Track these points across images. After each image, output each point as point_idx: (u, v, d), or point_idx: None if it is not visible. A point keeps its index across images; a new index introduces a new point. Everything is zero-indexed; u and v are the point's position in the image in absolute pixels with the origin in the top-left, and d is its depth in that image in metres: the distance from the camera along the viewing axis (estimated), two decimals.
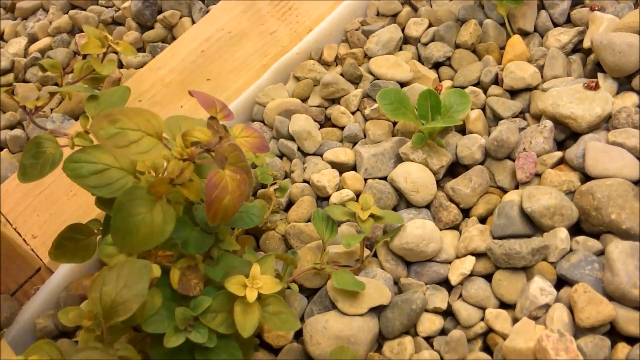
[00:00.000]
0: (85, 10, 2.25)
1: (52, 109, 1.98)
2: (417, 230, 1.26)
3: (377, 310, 1.24)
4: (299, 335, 1.27)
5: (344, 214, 1.28)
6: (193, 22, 2.08)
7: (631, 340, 1.09)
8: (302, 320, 1.27)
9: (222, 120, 0.98)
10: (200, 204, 1.10)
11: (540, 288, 1.15)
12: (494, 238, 1.25)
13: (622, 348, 1.08)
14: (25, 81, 2.12)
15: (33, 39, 2.26)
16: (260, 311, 1.04)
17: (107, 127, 0.93)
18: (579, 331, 1.11)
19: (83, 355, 0.85)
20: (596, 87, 1.33)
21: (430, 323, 1.23)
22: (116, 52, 2.04)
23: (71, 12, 2.22)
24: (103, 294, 0.93)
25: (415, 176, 1.35)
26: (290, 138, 1.57)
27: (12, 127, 2.00)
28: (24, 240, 1.43)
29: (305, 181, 1.51)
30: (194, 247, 1.06)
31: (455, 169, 1.42)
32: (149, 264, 0.97)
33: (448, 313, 1.26)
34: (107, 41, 1.15)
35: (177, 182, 0.98)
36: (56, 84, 2.04)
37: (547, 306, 1.14)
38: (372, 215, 1.26)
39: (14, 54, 2.20)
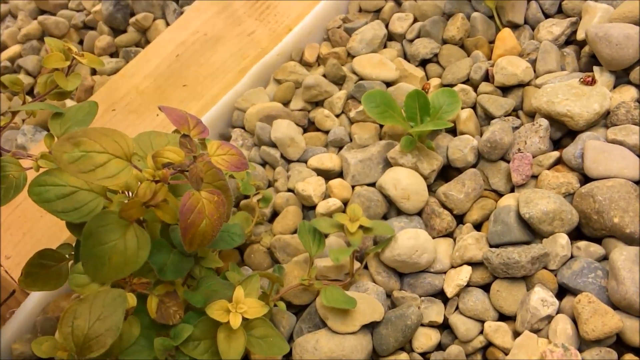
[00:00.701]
0: (55, 15, 2.21)
1: (23, 120, 1.94)
2: (409, 241, 1.22)
3: (370, 327, 1.20)
4: (288, 355, 1.23)
5: (332, 226, 1.24)
6: (167, 25, 2.03)
7: (639, 351, 1.06)
8: (291, 339, 1.23)
9: (196, 136, 0.94)
10: (177, 224, 1.06)
11: (541, 299, 1.11)
12: (491, 246, 1.21)
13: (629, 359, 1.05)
14: None
15: (2, 47, 2.22)
16: (246, 336, 1.01)
17: (70, 151, 0.89)
18: (583, 344, 1.08)
19: None
20: (592, 82, 1.29)
21: (426, 338, 1.19)
22: None
23: (40, 17, 2.17)
24: (75, 329, 0.90)
25: (405, 182, 1.31)
26: (273, 145, 1.53)
27: None
28: None
29: (289, 190, 1.47)
30: (172, 273, 1.02)
31: (447, 172, 1.38)
32: (124, 293, 0.93)
33: (445, 326, 1.22)
34: (71, 53, 1.11)
35: (151, 204, 0.94)
36: (30, 92, 2.00)
37: (549, 318, 1.11)
38: (361, 227, 1.22)
39: None
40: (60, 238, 1.44)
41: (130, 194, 1.03)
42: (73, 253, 1.10)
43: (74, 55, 1.11)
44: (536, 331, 1.11)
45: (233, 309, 1.00)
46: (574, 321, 1.09)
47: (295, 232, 1.39)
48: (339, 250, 1.22)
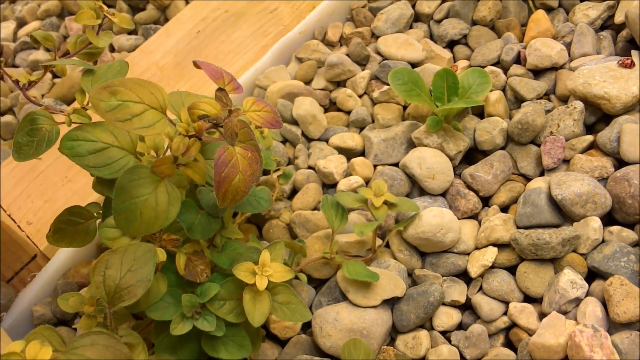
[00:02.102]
0: None
1: (43, 95, 1.95)
2: (434, 218, 1.23)
3: (390, 303, 1.22)
4: (306, 327, 1.25)
5: (355, 201, 1.25)
6: (187, 3, 2.04)
7: None
8: (312, 320, 1.24)
9: (230, 92, 0.95)
10: (204, 186, 1.07)
11: (570, 281, 1.12)
12: (519, 228, 1.22)
13: None
14: (14, 66, 2.09)
15: (22, 23, 2.23)
16: (271, 299, 1.02)
17: (108, 99, 0.90)
18: (613, 327, 1.09)
19: (89, 339, 0.82)
20: (631, 64, 1.30)
21: (447, 317, 1.21)
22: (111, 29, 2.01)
23: None
24: (106, 278, 0.91)
25: (431, 162, 1.32)
26: (294, 122, 1.55)
27: (2, 114, 1.98)
28: (18, 226, 1.41)
29: (310, 167, 1.48)
30: (201, 232, 1.04)
31: (472, 155, 1.40)
32: (154, 247, 0.94)
33: (466, 307, 1.24)
34: (102, 12, 1.12)
35: (182, 162, 0.95)
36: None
37: (577, 300, 1.12)
38: (385, 202, 1.24)
39: (3, 39, 2.18)
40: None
41: (158, 155, 1.04)
42: (101, 212, 1.12)
43: (105, 13, 1.12)
44: (564, 313, 1.12)
45: (259, 272, 1.01)
46: (604, 305, 1.10)
47: (315, 208, 1.40)
48: (364, 224, 1.23)
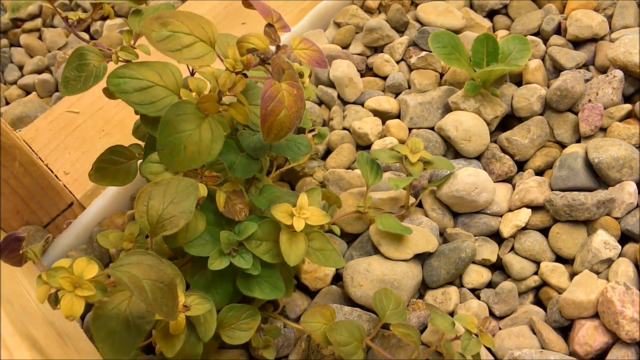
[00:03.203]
0: None
1: None
2: (469, 177, 1.25)
3: (421, 259, 1.23)
4: (336, 280, 1.27)
5: (391, 157, 1.27)
6: None
7: None
8: (344, 272, 1.26)
9: (278, 30, 0.97)
10: (245, 129, 1.10)
11: (604, 242, 1.14)
12: (553, 190, 1.24)
13: None
14: (52, 27, 2.13)
15: None
16: (307, 241, 1.04)
17: (159, 30, 0.92)
18: None
19: (135, 258, 0.84)
20: None
21: (477, 275, 1.22)
22: None
23: None
24: (149, 209, 0.93)
25: (468, 124, 1.34)
26: (330, 85, 1.57)
27: (40, 72, 2.02)
28: (55, 176, 1.44)
29: (345, 129, 1.50)
30: (241, 171, 1.06)
31: (508, 122, 1.41)
32: (196, 182, 0.96)
33: (495, 267, 1.25)
34: None
35: (225, 103, 0.97)
36: (87, 30, 2.05)
37: (609, 261, 1.13)
38: (421, 160, 1.26)
39: None
40: None
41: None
42: (142, 152, 1.14)
43: None
44: (596, 273, 1.13)
45: (297, 214, 1.03)
46: (636, 267, 1.12)
47: (348, 168, 1.42)
48: (399, 179, 1.25)
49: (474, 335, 1.03)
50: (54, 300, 0.82)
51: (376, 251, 1.24)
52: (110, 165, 1.15)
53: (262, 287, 1.07)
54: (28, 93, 1.98)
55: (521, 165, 1.35)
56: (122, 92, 0.99)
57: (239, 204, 1.05)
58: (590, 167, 1.22)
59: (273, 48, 0.93)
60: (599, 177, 1.23)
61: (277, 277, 1.08)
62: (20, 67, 2.07)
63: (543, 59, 1.46)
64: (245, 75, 0.95)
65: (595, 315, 1.08)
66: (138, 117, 1.17)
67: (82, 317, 1.32)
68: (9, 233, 0.87)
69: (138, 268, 0.83)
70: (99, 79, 1.04)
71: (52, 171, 1.42)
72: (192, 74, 1.09)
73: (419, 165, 1.24)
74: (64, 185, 1.44)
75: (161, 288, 0.83)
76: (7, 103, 1.95)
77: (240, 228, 1.05)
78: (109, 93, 1.07)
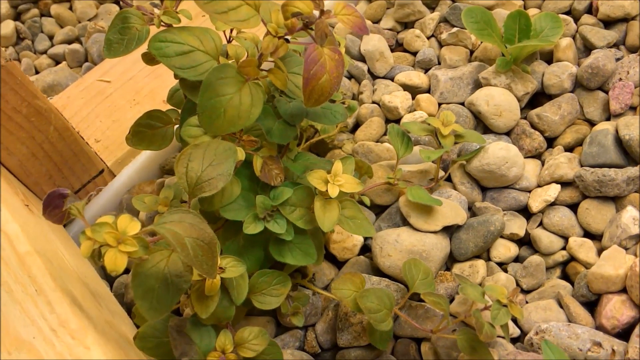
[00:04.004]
0: None
1: None
2: (500, 151, 1.26)
3: (450, 231, 1.24)
4: (364, 251, 1.28)
5: (423, 130, 1.28)
6: None
7: None
8: (373, 242, 1.27)
9: None
10: (282, 96, 1.11)
11: (633, 217, 1.15)
12: (583, 166, 1.25)
13: None
14: None
15: None
16: (340, 208, 1.05)
17: None
18: None
19: (177, 216, 0.85)
20: None
21: (505, 249, 1.23)
22: None
23: None
24: (189, 170, 0.94)
25: (499, 99, 1.35)
26: (361, 59, 1.58)
27: (70, 42, 2.04)
28: (86, 143, 1.45)
29: (374, 103, 1.51)
30: (278, 137, 1.08)
31: (538, 100, 1.41)
32: (234, 146, 0.97)
33: (523, 242, 1.26)
34: None
35: (266, 69, 0.99)
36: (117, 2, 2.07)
37: (638, 237, 1.14)
38: (452, 133, 1.27)
39: None
40: None
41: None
42: (179, 118, 1.16)
43: None
44: (624, 248, 1.14)
45: (331, 180, 1.05)
46: None
47: (378, 140, 1.43)
48: (430, 151, 1.26)
49: (503, 306, 1.04)
50: (97, 256, 0.83)
51: (405, 223, 1.25)
52: (148, 130, 1.17)
53: (294, 254, 1.09)
54: (58, 63, 2.00)
55: (551, 142, 1.36)
56: (163, 55, 1.01)
57: (275, 169, 1.07)
58: (621, 144, 1.23)
59: (316, 13, 0.94)
60: (628, 154, 1.24)
61: (309, 244, 1.10)
62: (51, 37, 2.08)
63: (574, 38, 1.46)
64: (287, 41, 0.97)
65: (623, 290, 1.10)
66: (170, 86, 1.19)
67: (111, 283, 1.34)
68: (53, 190, 0.88)
69: (180, 226, 0.84)
70: (141, 43, 1.06)
71: (83, 138, 1.43)
72: (229, 41, 1.10)
73: (451, 138, 1.25)
74: (95, 153, 1.45)
75: (202, 246, 0.84)
76: (37, 72, 1.96)
77: (275, 193, 1.06)
78: (147, 58, 1.09)
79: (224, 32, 1.07)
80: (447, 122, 1.26)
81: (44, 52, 2.04)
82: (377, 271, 1.23)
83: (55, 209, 0.89)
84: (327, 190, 1.03)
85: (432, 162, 1.31)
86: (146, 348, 1.04)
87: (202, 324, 1.03)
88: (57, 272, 1.04)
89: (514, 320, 1.16)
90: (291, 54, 1.06)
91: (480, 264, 1.22)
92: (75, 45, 1.98)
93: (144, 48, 1.03)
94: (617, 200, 1.21)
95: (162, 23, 1.05)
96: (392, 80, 1.53)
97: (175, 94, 1.21)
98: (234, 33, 1.09)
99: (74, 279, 1.11)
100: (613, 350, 1.04)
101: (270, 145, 1.08)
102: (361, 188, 1.07)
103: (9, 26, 2.02)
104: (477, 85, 1.44)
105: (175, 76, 1.04)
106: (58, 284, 0.99)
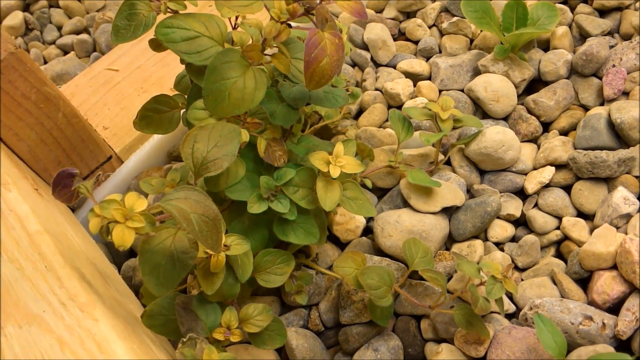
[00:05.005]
0: None
1: None
2: (497, 135, 1.30)
3: (449, 213, 1.28)
4: (366, 233, 1.32)
5: (423, 115, 1.32)
6: None
7: None
8: (370, 218, 1.31)
9: None
10: (285, 81, 1.15)
11: (623, 197, 1.18)
12: (577, 149, 1.28)
13: None
14: None
15: None
16: (341, 189, 1.09)
17: None
18: None
19: (183, 194, 0.89)
20: None
21: (501, 229, 1.27)
22: None
23: None
24: (195, 151, 0.97)
25: (497, 86, 1.39)
26: (364, 47, 1.61)
27: (78, 33, 2.07)
28: (94, 130, 1.48)
29: (377, 90, 1.55)
30: (281, 119, 1.11)
31: (535, 87, 1.45)
32: (239, 128, 1.01)
33: (519, 223, 1.30)
34: None
35: (269, 53, 1.02)
36: None
37: (628, 216, 1.18)
38: (451, 117, 1.30)
39: None
40: None
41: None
42: (186, 102, 1.19)
43: None
44: (615, 227, 1.18)
45: (333, 161, 1.09)
46: None
47: (380, 126, 1.47)
48: (429, 134, 1.30)
49: (497, 281, 1.08)
50: (106, 232, 0.86)
51: (405, 205, 1.29)
52: (155, 114, 1.20)
53: (298, 233, 1.12)
54: (66, 53, 2.02)
55: (546, 127, 1.39)
56: (169, 41, 1.04)
57: (279, 150, 1.10)
58: (613, 127, 1.27)
59: None
60: (620, 137, 1.27)
61: (312, 224, 1.13)
62: (59, 28, 2.11)
63: (570, 27, 1.50)
64: (290, 26, 1.00)
65: (614, 267, 1.13)
66: (176, 74, 1.23)
67: (119, 267, 1.38)
68: (62, 169, 0.92)
69: (186, 202, 0.88)
70: (148, 28, 1.09)
71: (91, 126, 1.47)
72: (235, 27, 1.14)
73: (449, 122, 1.29)
74: (104, 140, 1.48)
75: (207, 222, 0.88)
76: (45, 62, 1.99)
77: (279, 174, 1.10)
78: (154, 45, 1.13)
79: (229, 19, 1.10)
80: (446, 106, 1.29)
81: (53, 42, 2.07)
82: (379, 251, 1.27)
83: (65, 188, 0.92)
84: (328, 171, 1.07)
85: (432, 145, 1.35)
86: (153, 325, 1.07)
87: (208, 301, 1.07)
88: (66, 251, 1.08)
89: (510, 297, 1.20)
90: (294, 41, 1.10)
91: (478, 243, 1.25)
92: (84, 36, 2.01)
93: (150, 35, 1.06)
94: (609, 181, 1.24)
95: (168, 9, 1.08)
96: (395, 68, 1.57)
97: (182, 80, 1.24)
98: (239, 20, 1.12)
99: (82, 259, 1.15)
100: (603, 323, 1.08)
101: (274, 128, 1.12)
102: (362, 169, 1.10)
103: (17, 17, 2.05)
104: (477, 72, 1.47)
105: (182, 61, 1.08)
106: (67, 261, 1.02)
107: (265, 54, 1.03)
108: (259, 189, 1.09)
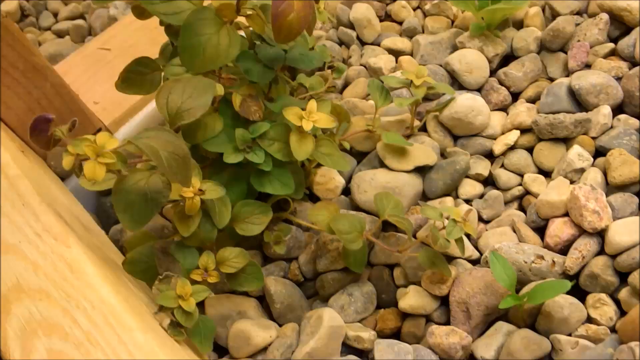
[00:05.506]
0: None
1: None
2: (467, 101, 1.39)
3: (422, 172, 1.37)
4: (346, 193, 1.41)
5: (399, 82, 1.41)
6: None
7: None
8: (350, 179, 1.41)
9: None
10: (261, 42, 1.24)
11: (578, 154, 1.28)
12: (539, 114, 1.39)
13: None
14: None
15: None
16: (314, 142, 1.18)
17: None
18: (610, 191, 1.24)
19: (154, 133, 0.97)
20: None
21: (471, 187, 1.37)
22: None
23: None
24: (169, 101, 1.05)
25: (470, 59, 1.49)
26: (350, 26, 1.72)
27: (74, 18, 2.15)
28: (84, 103, 1.54)
29: (362, 65, 1.65)
30: (257, 76, 1.20)
31: (508, 63, 1.54)
32: (213, 82, 1.09)
33: (488, 182, 1.39)
34: None
35: (243, 13, 1.12)
36: None
37: (582, 170, 1.27)
38: (425, 85, 1.40)
39: None
40: None
41: None
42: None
43: None
44: (570, 181, 1.28)
45: (306, 116, 1.18)
46: (605, 175, 1.26)
47: (363, 99, 1.57)
48: (403, 98, 1.40)
49: (457, 224, 1.17)
50: (79, 169, 0.94)
51: (382, 166, 1.38)
52: (137, 76, 1.26)
53: (274, 184, 1.22)
54: (61, 38, 2.09)
55: (516, 97, 1.48)
56: (148, 2, 1.11)
57: (254, 106, 1.19)
58: (573, 94, 1.36)
59: None
60: (580, 103, 1.37)
61: (288, 176, 1.22)
62: (55, 14, 2.17)
63: (543, 9, 1.59)
64: None
65: (566, 215, 1.23)
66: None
67: (107, 231, 1.47)
68: (39, 115, 0.97)
69: (156, 140, 0.96)
70: None
71: (82, 100, 1.52)
72: None
73: (423, 89, 1.38)
74: (93, 112, 1.55)
75: (176, 159, 0.96)
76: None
77: (254, 127, 1.19)
78: (137, 12, 1.20)
79: None
80: (420, 74, 1.39)
81: (48, 28, 2.13)
82: (356, 208, 1.35)
83: (42, 132, 0.97)
84: (302, 126, 1.17)
85: (408, 110, 1.45)
86: (134, 272, 1.15)
87: (186, 246, 1.15)
88: (46, 195, 1.14)
89: (475, 247, 1.29)
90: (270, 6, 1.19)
91: (449, 200, 1.35)
92: (79, 21, 2.08)
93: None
94: (567, 142, 1.34)
95: None
96: (379, 45, 1.67)
97: (166, 49, 1.30)
98: None
99: (63, 206, 1.21)
100: (553, 261, 1.17)
101: (252, 87, 1.21)
102: (334, 125, 1.21)
103: (12, 3, 2.11)
104: (455, 49, 1.57)
105: (161, 23, 1.16)
106: (44, 200, 1.09)
107: (243, 15, 1.12)
108: (235, 142, 1.18)
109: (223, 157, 1.17)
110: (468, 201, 1.36)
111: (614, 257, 1.16)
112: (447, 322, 1.23)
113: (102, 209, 1.53)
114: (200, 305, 1.23)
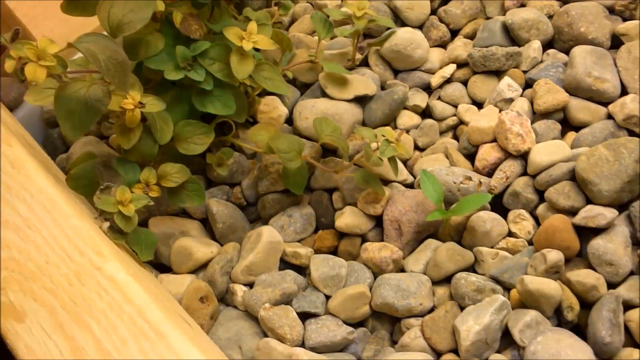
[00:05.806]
0: None
1: None
2: (406, 34, 1.44)
3: (362, 103, 1.43)
4: (289, 123, 1.46)
5: (341, 14, 1.45)
6: None
7: (578, 129, 1.30)
8: (293, 109, 1.45)
9: None
10: None
11: (508, 84, 1.34)
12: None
13: (571, 135, 1.29)
14: None
15: None
16: (254, 62, 1.22)
17: None
18: (535, 119, 1.31)
19: (93, 38, 1.00)
20: None
21: (409, 118, 1.42)
22: None
23: None
24: (111, 15, 1.08)
25: None
26: None
27: None
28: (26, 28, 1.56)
29: (308, 2, 1.70)
30: None
31: (449, 1, 1.60)
32: None
33: (426, 115, 1.45)
34: None
35: None
36: None
37: (511, 100, 1.33)
38: (366, 17, 1.45)
39: None
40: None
41: None
42: None
43: None
44: (499, 110, 1.34)
45: (246, 37, 1.22)
46: (532, 104, 1.33)
47: (309, 34, 1.62)
48: (343, 29, 1.45)
49: (390, 144, 1.23)
50: (20, 72, 0.98)
51: (324, 95, 1.43)
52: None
53: (215, 104, 1.26)
54: None
55: (455, 34, 1.54)
56: None
57: (195, 24, 1.23)
58: (507, 30, 1.43)
59: None
60: (512, 38, 1.43)
61: (229, 97, 1.27)
62: None
63: None
64: None
65: (495, 141, 1.29)
66: None
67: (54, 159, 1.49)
68: None
69: (95, 45, 1.00)
70: None
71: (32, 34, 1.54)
72: None
73: (364, 20, 1.42)
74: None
75: (115, 64, 1.00)
76: None
77: (195, 45, 1.23)
78: None
79: None
80: (361, 6, 1.44)
81: None
82: (298, 135, 1.40)
83: None
84: (242, 46, 1.22)
85: (349, 41, 1.50)
86: (78, 187, 1.19)
87: (128, 161, 1.20)
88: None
89: (410, 172, 1.35)
90: None
91: (388, 128, 1.41)
92: None
93: None
94: (499, 74, 1.40)
95: None
96: None
97: None
98: None
99: (10, 124, 1.25)
100: (480, 182, 1.24)
101: (193, 7, 1.25)
102: (274, 47, 1.25)
103: None
104: None
105: None
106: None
107: None
108: (176, 60, 1.22)
109: (164, 74, 1.21)
110: (407, 131, 1.42)
111: (534, 177, 1.23)
112: (381, 242, 1.29)
113: (50, 141, 1.58)
114: (145, 225, 1.30)
